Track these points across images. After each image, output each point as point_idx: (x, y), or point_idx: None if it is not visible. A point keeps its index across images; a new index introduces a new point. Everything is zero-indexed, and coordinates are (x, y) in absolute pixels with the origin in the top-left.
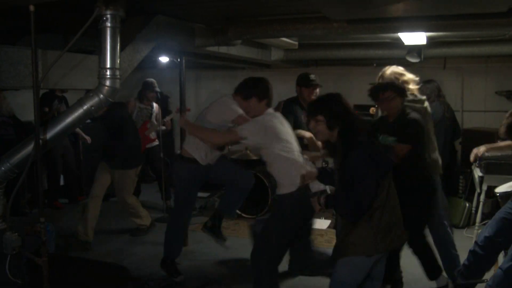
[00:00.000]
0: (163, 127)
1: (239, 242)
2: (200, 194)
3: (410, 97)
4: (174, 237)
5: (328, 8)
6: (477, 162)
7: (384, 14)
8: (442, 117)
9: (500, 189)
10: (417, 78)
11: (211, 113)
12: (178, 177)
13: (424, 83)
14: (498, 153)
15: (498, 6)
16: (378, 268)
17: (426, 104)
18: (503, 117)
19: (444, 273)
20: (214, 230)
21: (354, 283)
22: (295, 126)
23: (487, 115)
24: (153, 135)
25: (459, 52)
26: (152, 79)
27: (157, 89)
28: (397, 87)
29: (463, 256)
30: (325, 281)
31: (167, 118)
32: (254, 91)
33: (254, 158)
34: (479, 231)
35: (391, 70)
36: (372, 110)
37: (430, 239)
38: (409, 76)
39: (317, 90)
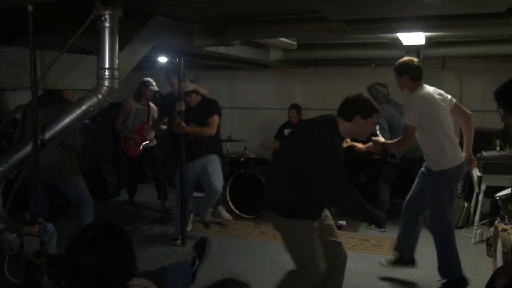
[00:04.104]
0: (164, 127)
1: (237, 241)
2: (199, 194)
3: None
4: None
5: (327, 8)
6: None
7: (382, 14)
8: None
9: (501, 193)
10: None
11: None
12: None
13: (376, 86)
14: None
15: (496, 6)
16: None
17: None
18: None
19: None
20: None
21: None
22: None
23: (485, 115)
24: (150, 135)
25: (457, 52)
26: (149, 78)
27: (155, 88)
28: None
29: (461, 256)
30: None
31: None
32: None
33: (253, 156)
34: (478, 230)
35: None
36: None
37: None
38: None
39: None
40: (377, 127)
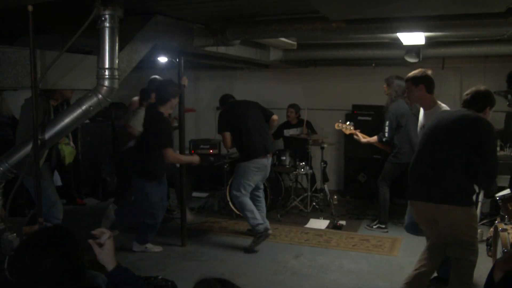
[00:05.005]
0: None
1: (237, 241)
2: (198, 194)
3: None
4: None
5: (327, 8)
6: None
7: (382, 14)
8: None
9: (501, 193)
10: None
11: None
12: None
13: (396, 80)
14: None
15: (497, 6)
16: None
17: None
18: (501, 117)
19: None
20: None
21: None
22: None
23: None
24: None
25: (457, 52)
26: (156, 76)
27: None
28: None
29: None
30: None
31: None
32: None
33: None
34: (478, 230)
35: None
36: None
37: None
38: None
39: None
40: (387, 123)
